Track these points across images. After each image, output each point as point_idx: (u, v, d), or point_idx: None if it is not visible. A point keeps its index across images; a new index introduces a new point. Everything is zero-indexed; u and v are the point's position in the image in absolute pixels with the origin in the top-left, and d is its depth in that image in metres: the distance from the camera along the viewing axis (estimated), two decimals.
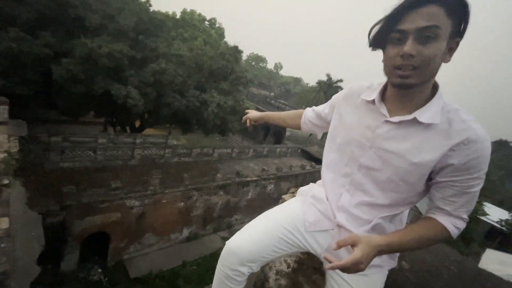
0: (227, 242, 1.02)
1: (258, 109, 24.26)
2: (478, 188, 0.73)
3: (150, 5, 15.61)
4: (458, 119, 0.72)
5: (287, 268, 1.38)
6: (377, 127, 0.82)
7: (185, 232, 13.05)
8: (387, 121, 0.80)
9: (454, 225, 0.77)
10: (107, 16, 10.91)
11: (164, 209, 11.59)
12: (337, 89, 33.39)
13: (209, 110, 12.86)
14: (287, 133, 25.75)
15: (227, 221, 14.92)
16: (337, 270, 0.93)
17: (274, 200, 17.10)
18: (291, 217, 1.04)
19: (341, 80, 33.41)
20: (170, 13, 23.21)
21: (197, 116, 13.15)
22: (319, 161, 21.00)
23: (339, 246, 0.72)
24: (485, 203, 20.09)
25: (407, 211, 0.93)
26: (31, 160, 9.53)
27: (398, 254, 0.96)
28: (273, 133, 28.06)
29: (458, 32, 0.69)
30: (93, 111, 12.95)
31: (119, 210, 10.02)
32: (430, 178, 0.78)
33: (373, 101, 0.85)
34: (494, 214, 19.77)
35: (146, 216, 11.02)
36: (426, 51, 0.67)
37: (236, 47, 15.31)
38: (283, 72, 59.97)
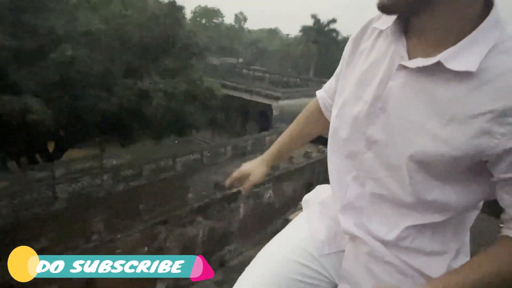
0: None
1: (224, 86, 24.07)
2: None
3: None
4: None
5: None
6: (390, 77, 0.75)
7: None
8: (403, 66, 0.72)
9: None
10: None
11: None
12: (331, 34, 33.81)
13: (154, 103, 12.66)
14: (275, 113, 25.81)
15: (218, 256, 14.93)
16: None
17: (277, 211, 17.24)
18: (300, 243, 1.03)
19: (334, 21, 33.85)
20: None
21: (138, 117, 12.92)
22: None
23: None
24: None
25: (467, 220, 0.86)
26: None
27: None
28: (256, 116, 28.03)
29: None
30: None
31: (54, 283, 9.72)
32: (491, 173, 0.70)
33: (386, 32, 0.78)
34: None
35: (96, 282, 10.77)
36: None
37: (173, 3, 15.06)
38: (249, 26, 59.87)
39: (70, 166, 12.56)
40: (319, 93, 1.19)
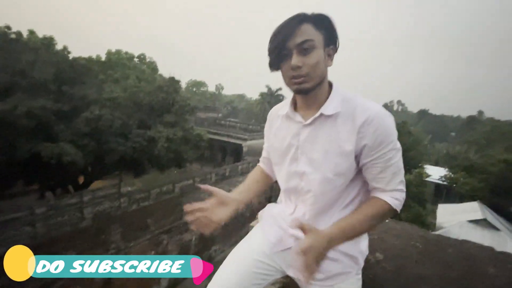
0: None
1: (209, 132, 23.99)
2: (397, 159, 0.81)
3: (69, 52, 14.54)
4: (356, 103, 0.81)
5: None
6: (299, 134, 0.88)
7: (163, 283, 11.81)
8: (304, 125, 0.87)
9: (392, 197, 0.81)
10: (17, 72, 9.74)
11: None
12: (278, 97, 35.24)
13: (159, 145, 12.28)
14: (244, 149, 25.90)
15: (206, 255, 14.05)
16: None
17: (247, 219, 16.78)
18: (257, 246, 1.01)
19: (280, 88, 35.37)
20: (94, 56, 21.90)
21: (147, 155, 12.44)
22: None
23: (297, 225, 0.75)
24: (426, 166, 22.89)
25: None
26: None
27: (362, 256, 0.93)
28: (231, 152, 27.94)
29: (330, 40, 0.81)
30: (21, 179, 11.19)
31: (79, 284, 8.59)
32: (357, 163, 0.84)
33: (287, 114, 0.92)
34: (435, 173, 22.63)
35: (113, 281, 9.67)
36: (309, 60, 0.77)
37: (172, 78, 15.11)
38: (225, 92, 61.16)
39: (95, 193, 11.58)
40: (260, 164, 1.19)
